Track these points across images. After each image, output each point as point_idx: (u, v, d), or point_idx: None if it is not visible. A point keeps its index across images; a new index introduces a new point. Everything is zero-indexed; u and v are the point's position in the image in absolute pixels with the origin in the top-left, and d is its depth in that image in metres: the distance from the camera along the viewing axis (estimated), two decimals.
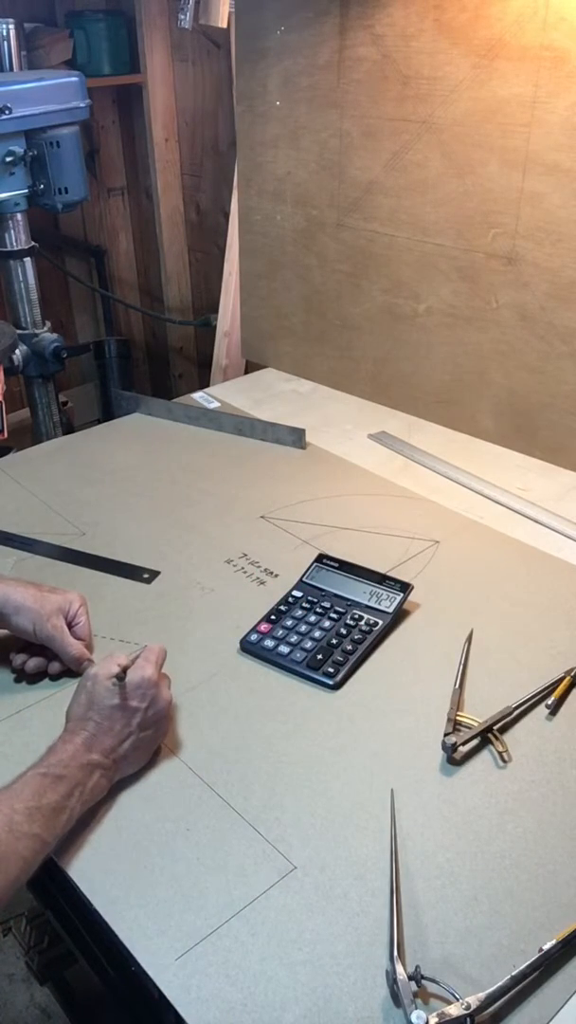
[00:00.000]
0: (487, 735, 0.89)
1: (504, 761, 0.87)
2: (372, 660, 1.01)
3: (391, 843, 0.78)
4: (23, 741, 0.89)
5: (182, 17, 1.82)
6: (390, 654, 1.02)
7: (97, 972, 0.94)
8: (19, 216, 1.79)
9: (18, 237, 1.81)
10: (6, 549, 1.20)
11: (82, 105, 1.74)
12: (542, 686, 0.95)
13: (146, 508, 1.31)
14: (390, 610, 1.05)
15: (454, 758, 0.87)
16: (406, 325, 1.54)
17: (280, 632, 1.02)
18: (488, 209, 1.34)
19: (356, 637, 1.01)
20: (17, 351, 1.83)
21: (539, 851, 0.78)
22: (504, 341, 1.41)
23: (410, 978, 0.66)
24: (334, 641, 1.01)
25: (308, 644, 1.01)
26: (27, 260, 1.85)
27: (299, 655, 0.99)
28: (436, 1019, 0.64)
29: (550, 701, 0.94)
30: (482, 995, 0.65)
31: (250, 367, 1.93)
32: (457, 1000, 0.65)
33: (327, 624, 1.03)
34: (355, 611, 1.05)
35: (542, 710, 0.93)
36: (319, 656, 0.99)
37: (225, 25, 1.79)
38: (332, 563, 1.12)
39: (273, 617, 1.05)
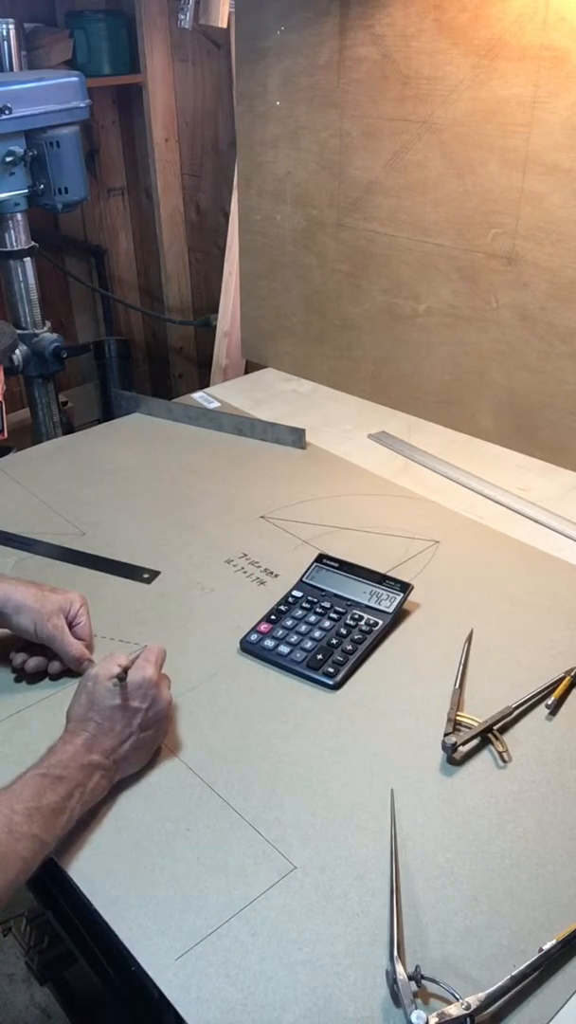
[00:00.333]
0: (487, 735, 0.89)
1: (504, 761, 0.87)
2: (372, 660, 1.01)
3: (391, 843, 0.78)
4: (23, 741, 0.89)
5: (182, 17, 1.82)
6: (390, 654, 1.02)
7: (97, 972, 0.94)
8: (19, 216, 1.79)
9: (18, 237, 1.82)
10: (6, 549, 1.20)
11: (82, 105, 1.74)
12: (542, 686, 0.95)
13: (146, 508, 1.31)
14: (390, 610, 1.05)
15: (454, 758, 0.87)
16: (406, 325, 1.54)
17: (280, 632, 1.02)
18: (488, 209, 1.34)
19: (356, 637, 1.01)
20: (17, 351, 1.83)
21: (539, 851, 0.78)
22: (504, 341, 1.41)
23: (410, 978, 0.66)
24: (334, 641, 1.01)
25: (308, 644, 1.01)
26: (27, 260, 1.85)
27: (299, 655, 0.99)
28: (436, 1019, 0.64)
29: (550, 701, 0.94)
30: (482, 995, 0.65)
31: (250, 367, 1.93)
32: (457, 1000, 0.65)
33: (327, 624, 1.03)
34: (355, 611, 1.05)
35: (542, 710, 0.93)
36: (319, 656, 0.99)
37: (225, 25, 1.79)
38: (332, 563, 1.12)
39: (273, 617, 1.05)
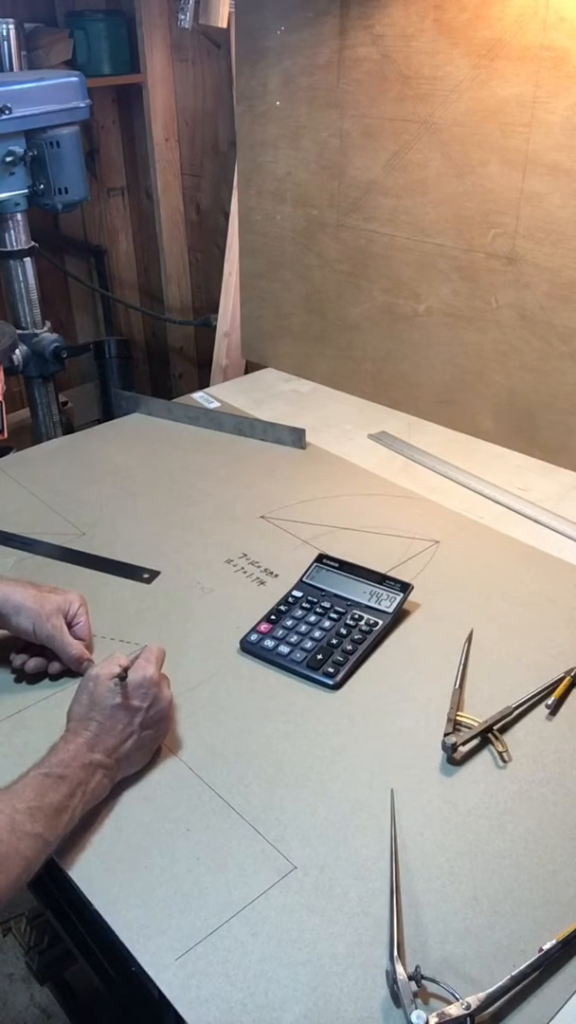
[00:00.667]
0: (487, 735, 0.89)
1: (504, 761, 0.87)
2: (372, 660, 1.01)
3: (391, 843, 0.78)
4: (23, 741, 0.89)
5: (182, 17, 1.82)
6: (390, 654, 1.02)
7: (97, 972, 0.95)
8: (19, 216, 1.79)
9: (18, 237, 1.82)
10: (6, 549, 1.20)
11: (82, 105, 1.74)
12: (542, 686, 0.95)
13: (146, 508, 1.31)
14: (390, 610, 1.05)
15: (454, 758, 0.87)
16: (406, 325, 1.54)
17: (280, 632, 1.02)
18: (488, 209, 1.34)
19: (356, 637, 1.02)
20: (17, 351, 1.83)
21: (539, 851, 0.78)
22: (504, 341, 1.41)
23: (410, 978, 0.66)
24: (334, 641, 1.01)
25: (308, 644, 1.01)
26: (27, 260, 1.85)
27: (299, 655, 0.99)
28: (436, 1019, 0.64)
29: (550, 701, 0.94)
30: (482, 995, 0.65)
31: (250, 367, 1.93)
32: (457, 1000, 0.65)
33: (327, 624, 1.03)
34: (355, 611, 1.05)
35: (542, 710, 0.93)
36: (319, 656, 0.99)
37: (225, 25, 1.79)
38: (332, 563, 1.12)
39: (273, 617, 1.05)
